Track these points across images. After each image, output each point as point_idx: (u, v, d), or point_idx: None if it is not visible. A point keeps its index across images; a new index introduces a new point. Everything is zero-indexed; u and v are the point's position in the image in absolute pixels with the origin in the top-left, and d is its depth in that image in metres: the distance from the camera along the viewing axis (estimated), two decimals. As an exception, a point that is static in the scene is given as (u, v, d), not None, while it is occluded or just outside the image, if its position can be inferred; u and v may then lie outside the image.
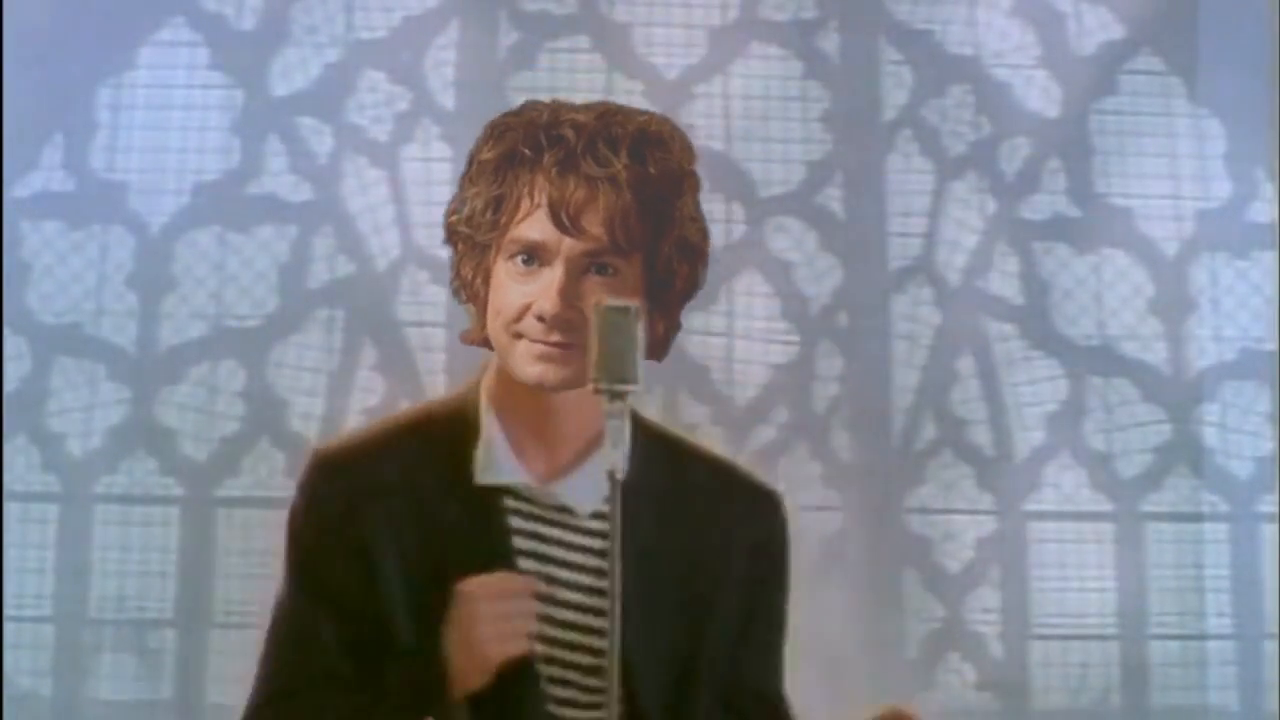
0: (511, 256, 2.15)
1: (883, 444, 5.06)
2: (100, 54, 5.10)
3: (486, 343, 2.20)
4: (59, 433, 4.98)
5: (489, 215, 2.15)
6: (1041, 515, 5.07)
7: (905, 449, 5.07)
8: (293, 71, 5.16)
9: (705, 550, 2.23)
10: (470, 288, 2.20)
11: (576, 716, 2.16)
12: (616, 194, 2.12)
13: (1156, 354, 5.12)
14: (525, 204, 2.13)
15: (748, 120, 5.18)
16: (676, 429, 2.35)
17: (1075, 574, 5.04)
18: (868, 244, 5.15)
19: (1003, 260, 5.16)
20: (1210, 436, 5.09)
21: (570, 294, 2.11)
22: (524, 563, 2.15)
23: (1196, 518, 5.06)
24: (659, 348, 2.21)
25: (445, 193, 5.25)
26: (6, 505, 4.84)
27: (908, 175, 5.18)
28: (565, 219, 2.11)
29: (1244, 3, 5.14)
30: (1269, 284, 5.10)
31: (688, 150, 2.20)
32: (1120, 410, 5.10)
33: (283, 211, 5.10)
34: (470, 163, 2.20)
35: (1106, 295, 5.16)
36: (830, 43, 5.22)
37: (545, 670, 2.15)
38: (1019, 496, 5.06)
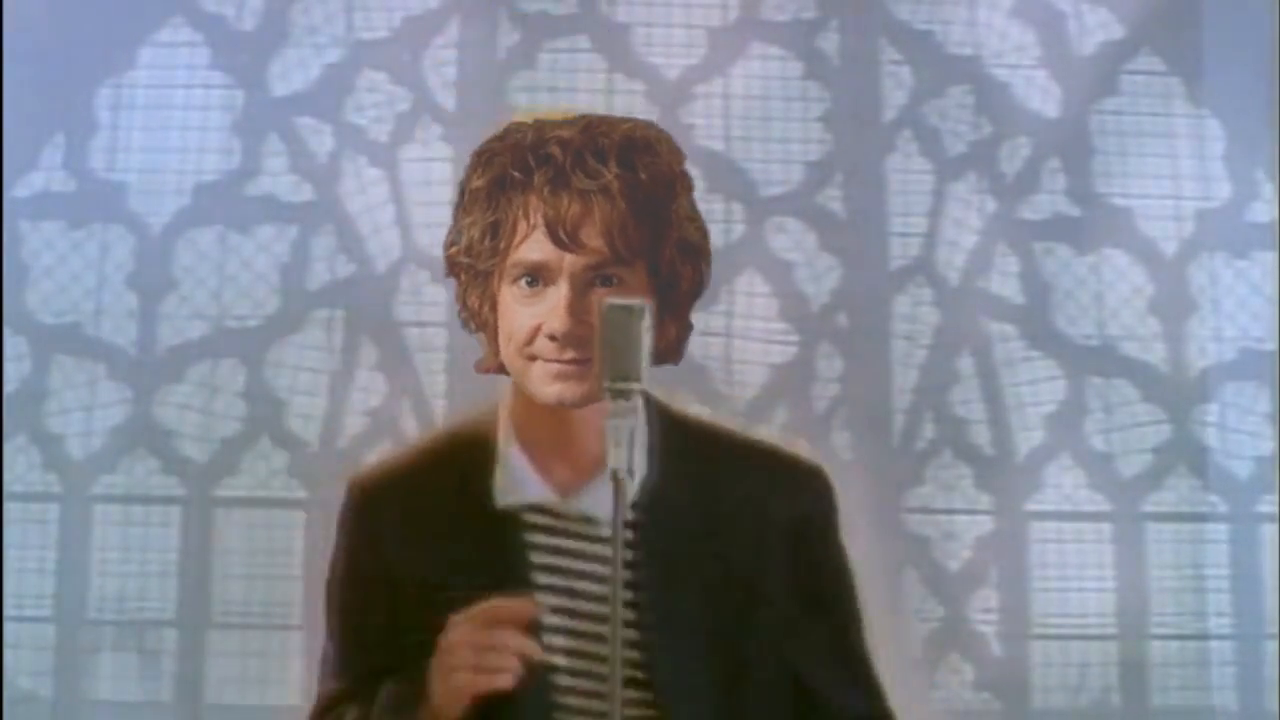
0: (515, 280, 2.14)
1: (883, 444, 5.06)
2: (100, 54, 5.10)
3: (502, 369, 2.19)
4: (59, 433, 4.98)
5: (487, 242, 2.15)
6: (1041, 515, 5.07)
7: (905, 449, 5.06)
8: (293, 71, 5.16)
9: (741, 538, 2.20)
10: (478, 317, 2.20)
11: None
12: (611, 204, 2.11)
13: (1156, 354, 5.12)
14: (522, 226, 2.13)
15: (748, 120, 5.18)
16: (703, 415, 2.33)
17: (1075, 574, 5.04)
18: (868, 244, 5.15)
19: (1003, 260, 5.15)
20: (1210, 436, 5.09)
21: (578, 309, 2.11)
22: (543, 578, 2.15)
23: (1196, 518, 5.06)
24: (673, 351, 2.21)
25: (445, 193, 5.27)
26: (6, 505, 4.84)
27: (908, 175, 5.18)
28: (563, 235, 2.11)
29: (1245, 3, 5.14)
30: (1269, 284, 5.10)
31: (676, 152, 2.20)
32: (1120, 410, 5.10)
33: (283, 211, 5.10)
34: (462, 193, 2.20)
35: (1106, 295, 5.16)
36: (830, 43, 5.22)
37: (571, 682, 2.14)
38: (1019, 496, 5.06)
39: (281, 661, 4.86)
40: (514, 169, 2.14)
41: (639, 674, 2.12)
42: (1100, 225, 5.16)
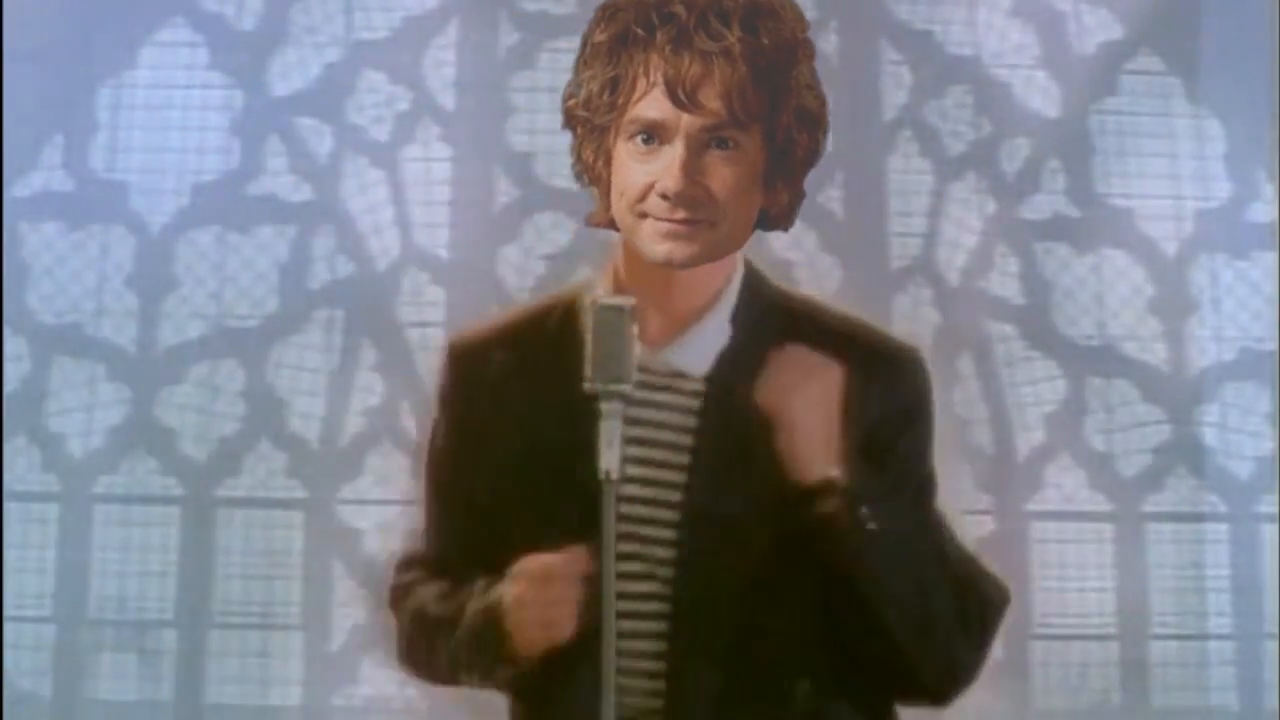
0: (631, 137, 2.15)
1: (883, 444, 5.05)
2: (100, 54, 5.10)
3: (612, 224, 2.20)
4: (59, 433, 4.98)
5: (606, 97, 2.16)
6: (1041, 515, 5.07)
7: (905, 449, 5.06)
8: (293, 71, 5.16)
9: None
10: (592, 170, 2.20)
11: (656, 599, 2.14)
12: (732, 67, 2.12)
13: (1156, 354, 5.12)
14: (641, 83, 2.14)
15: (747, 120, 5.17)
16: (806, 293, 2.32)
17: (1075, 574, 5.04)
18: (868, 244, 5.15)
19: (1003, 260, 5.15)
20: (1210, 436, 5.09)
21: (692, 169, 2.11)
22: (627, 429, 2.07)
23: (1196, 518, 5.06)
24: (784, 217, 2.23)
25: (445, 193, 5.28)
26: (6, 505, 4.84)
27: (908, 175, 5.18)
28: (682, 95, 2.11)
29: (1244, 3, 5.14)
30: (1269, 284, 5.10)
31: (800, 19, 2.21)
32: (1120, 410, 5.10)
33: (283, 211, 5.10)
34: (584, 45, 2.21)
35: (1106, 295, 5.16)
36: (830, 43, 5.21)
37: (647, 531, 2.13)
38: (1019, 496, 5.06)
39: (281, 661, 4.87)
40: (637, 25, 2.15)
41: (673, 553, 2.13)
42: (1100, 225, 5.16)
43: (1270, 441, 5.06)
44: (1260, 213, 5.17)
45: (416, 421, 4.96)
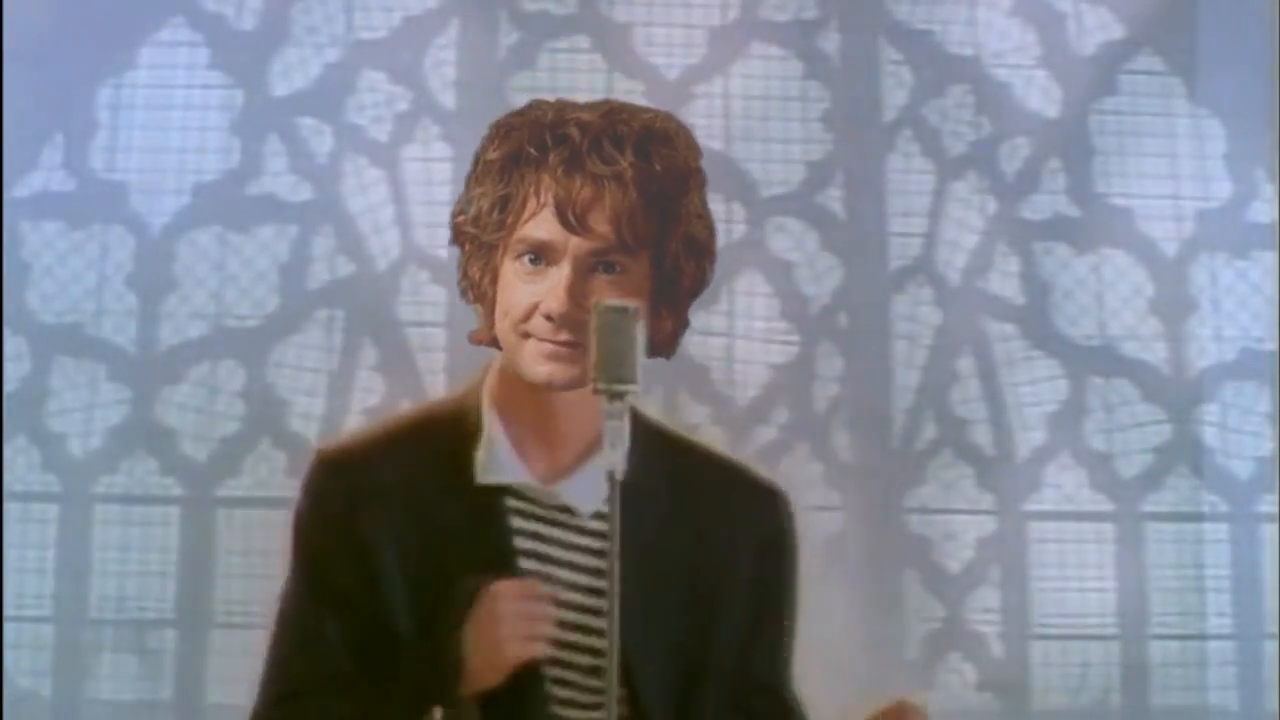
0: (519, 256, 2.14)
1: (883, 444, 5.06)
2: (100, 54, 5.10)
3: (495, 342, 2.19)
4: (59, 433, 4.98)
5: (495, 215, 2.14)
6: (1041, 515, 5.07)
7: (905, 449, 5.06)
8: (293, 71, 5.16)
9: (711, 549, 2.22)
10: (478, 288, 2.19)
11: (578, 717, 2.15)
12: (623, 192, 2.11)
13: (1156, 354, 5.12)
14: (532, 203, 2.13)
15: (748, 120, 5.18)
16: (679, 428, 2.34)
17: (1075, 574, 5.04)
18: (868, 244, 5.15)
19: (1003, 260, 5.15)
20: (1210, 436, 5.09)
21: (578, 293, 2.10)
22: (525, 563, 2.15)
23: (1196, 518, 5.06)
24: (667, 345, 2.21)
25: (445, 193, 5.28)
26: (6, 505, 4.84)
27: (908, 175, 5.18)
28: (572, 218, 2.11)
29: (1244, 2, 5.14)
30: (1269, 284, 5.10)
31: (693, 147, 2.20)
32: (1120, 410, 5.10)
33: (283, 211, 5.10)
34: (476, 163, 2.19)
35: (1106, 295, 5.16)
36: (830, 43, 5.22)
37: (547, 671, 2.14)
38: (1019, 496, 5.06)
39: (281, 661, 4.85)
40: (530, 145, 2.14)
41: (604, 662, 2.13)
42: (1100, 225, 5.16)
43: (1270, 441, 5.06)
44: (1260, 213, 5.17)
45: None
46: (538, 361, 2.13)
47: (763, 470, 2.34)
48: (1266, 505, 5.04)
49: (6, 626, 4.76)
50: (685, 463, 2.26)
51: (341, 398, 5.01)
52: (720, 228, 2.24)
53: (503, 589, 2.08)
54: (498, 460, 2.18)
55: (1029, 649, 5.01)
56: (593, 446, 2.17)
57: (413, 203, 5.08)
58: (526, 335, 2.14)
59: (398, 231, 5.09)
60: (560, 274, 2.11)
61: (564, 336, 2.11)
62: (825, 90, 5.22)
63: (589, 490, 2.16)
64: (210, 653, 4.90)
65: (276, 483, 4.95)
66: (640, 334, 2.02)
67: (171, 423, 4.99)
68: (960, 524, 5.05)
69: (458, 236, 2.20)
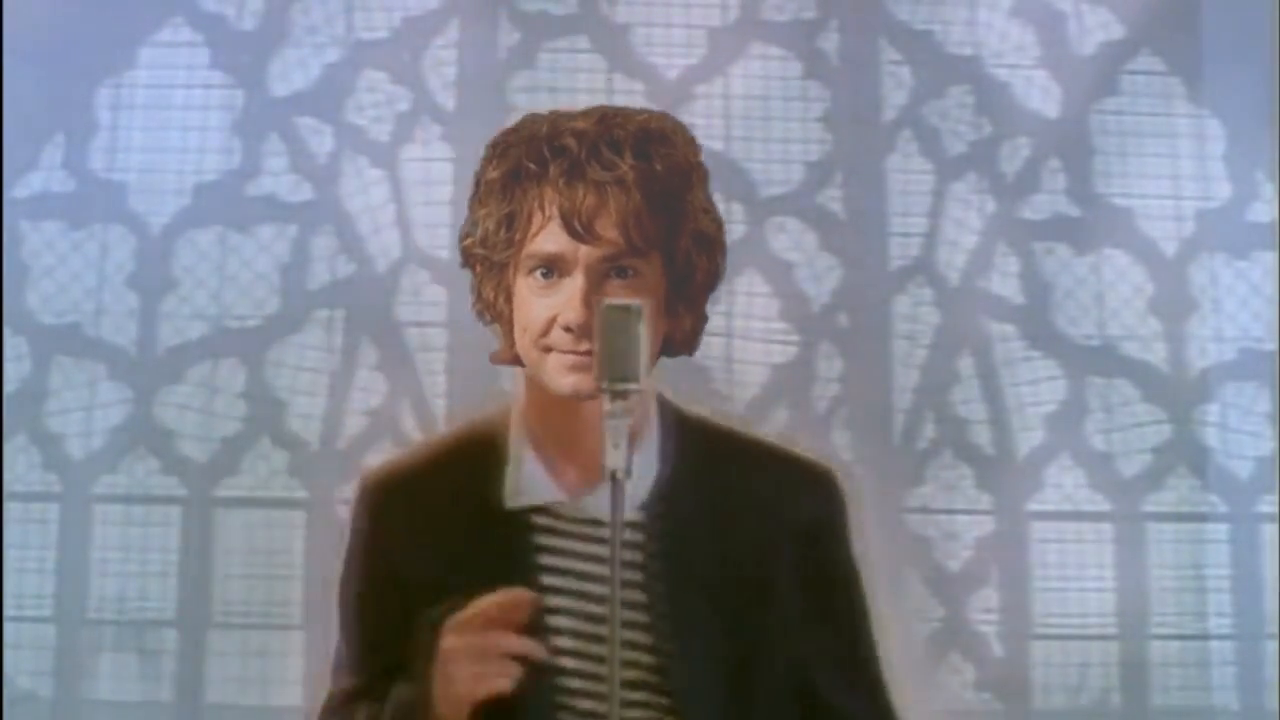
0: (530, 271, 2.14)
1: (883, 444, 5.06)
2: (100, 54, 5.10)
3: (517, 360, 2.18)
4: (59, 433, 4.98)
5: (503, 234, 2.14)
6: (1041, 515, 5.07)
7: (905, 449, 5.06)
8: (293, 71, 5.16)
9: (756, 536, 2.20)
10: (494, 308, 2.19)
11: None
12: (626, 196, 2.11)
13: (1156, 354, 5.12)
14: (537, 218, 2.12)
15: (748, 120, 5.18)
16: (720, 417, 2.32)
17: (1075, 574, 5.04)
18: (868, 244, 5.15)
19: (1003, 260, 5.15)
20: (1210, 436, 5.09)
21: (594, 301, 2.09)
22: (550, 579, 2.14)
23: (1196, 518, 5.06)
24: (688, 342, 2.21)
25: (445, 193, 5.27)
26: (6, 505, 4.84)
27: (908, 175, 5.18)
28: (579, 227, 2.10)
29: (1245, 3, 5.14)
30: (1269, 284, 5.10)
31: (691, 143, 2.20)
32: (1120, 410, 5.10)
33: (283, 211, 5.10)
34: (477, 184, 2.19)
35: (1106, 295, 5.16)
36: (830, 43, 5.22)
37: (578, 685, 2.13)
38: (1019, 496, 5.06)
39: (281, 661, 4.86)
40: (529, 160, 2.14)
41: (650, 677, 2.12)
42: (1100, 225, 5.16)
43: (1270, 441, 5.06)
44: (1260, 213, 5.17)
45: (417, 421, 4.96)
46: (561, 374, 2.13)
47: (811, 452, 2.31)
48: (1266, 505, 5.04)
49: (6, 626, 4.76)
50: (726, 450, 2.25)
51: (341, 398, 5.01)
52: (721, 228, 2.24)
53: (455, 623, 2.05)
54: (525, 482, 2.18)
55: (1029, 649, 5.01)
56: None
57: (413, 203, 5.08)
58: (548, 349, 2.13)
59: (398, 231, 5.09)
60: (574, 284, 2.11)
61: (585, 346, 2.10)
62: (825, 90, 5.22)
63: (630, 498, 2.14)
64: (210, 653, 4.90)
65: (276, 483, 4.95)
66: (644, 332, 2.01)
67: (171, 423, 4.99)
68: (960, 524, 5.05)
69: (467, 259, 2.20)
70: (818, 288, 5.13)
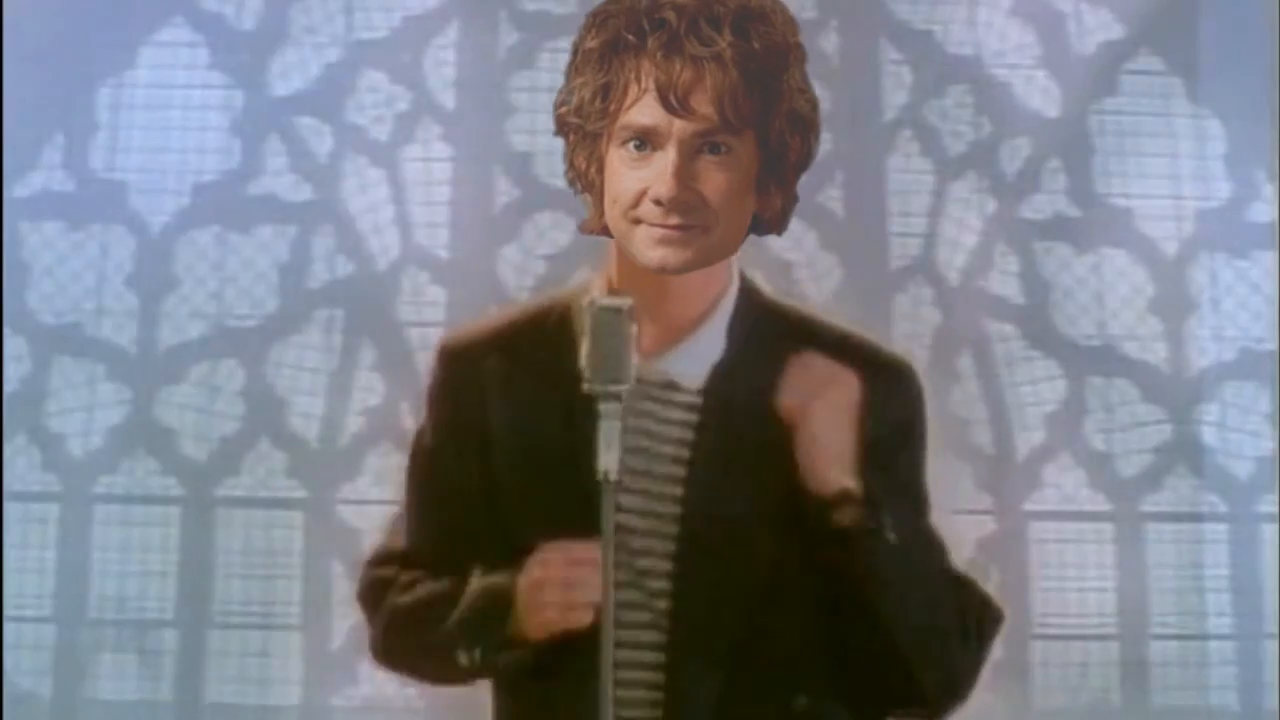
0: (624, 143, 2.16)
1: (883, 444, 5.05)
2: (100, 54, 5.10)
3: (605, 231, 2.20)
4: (59, 433, 4.98)
5: (598, 104, 2.16)
6: (1041, 515, 5.07)
7: (905, 449, 5.05)
8: (293, 71, 5.16)
9: None
10: (585, 178, 2.21)
11: (659, 586, 2.14)
12: (723, 72, 2.13)
13: (1156, 354, 5.12)
14: (633, 89, 2.15)
15: (747, 120, 5.17)
16: (801, 305, 2.32)
17: (1075, 574, 5.04)
18: (868, 244, 5.15)
19: (1003, 260, 5.15)
20: (1210, 436, 5.08)
21: (685, 175, 2.12)
22: (624, 439, 2.10)
23: (1196, 518, 5.05)
24: (778, 222, 2.24)
25: (445, 192, 5.27)
26: (6, 505, 4.84)
27: (908, 175, 5.18)
28: (674, 101, 2.12)
29: (1245, 3, 5.14)
30: (1269, 284, 5.10)
31: (791, 23, 2.23)
32: (1120, 410, 5.10)
33: (283, 211, 5.10)
34: (575, 52, 2.21)
35: (1107, 295, 5.16)
36: (830, 43, 5.22)
37: (642, 544, 2.14)
38: (1019, 496, 5.06)
39: (281, 661, 4.86)
40: (628, 32, 2.15)
41: (671, 564, 2.14)
42: (1100, 225, 5.16)
43: (1270, 441, 5.06)
44: (1260, 213, 5.16)
45: (416, 421, 4.96)
46: (650, 247, 2.14)
47: (891, 347, 2.32)
48: (1266, 505, 5.03)
49: (6, 626, 4.77)
50: (795, 339, 2.24)
51: (341, 398, 5.00)
52: (720, 228, 2.24)
53: (549, 554, 2.09)
54: None
55: (1029, 649, 5.01)
56: (698, 322, 2.19)
57: (413, 203, 5.08)
58: (637, 221, 2.15)
59: (398, 231, 5.08)
60: (666, 158, 2.13)
61: (674, 220, 2.13)
62: (825, 90, 5.18)
63: (693, 364, 2.17)
64: (210, 653, 4.90)
65: (276, 483, 4.95)
66: (634, 333, 2.02)
67: (171, 423, 4.99)
68: (960, 524, 5.05)
69: (561, 127, 2.21)
70: (818, 288, 5.12)
